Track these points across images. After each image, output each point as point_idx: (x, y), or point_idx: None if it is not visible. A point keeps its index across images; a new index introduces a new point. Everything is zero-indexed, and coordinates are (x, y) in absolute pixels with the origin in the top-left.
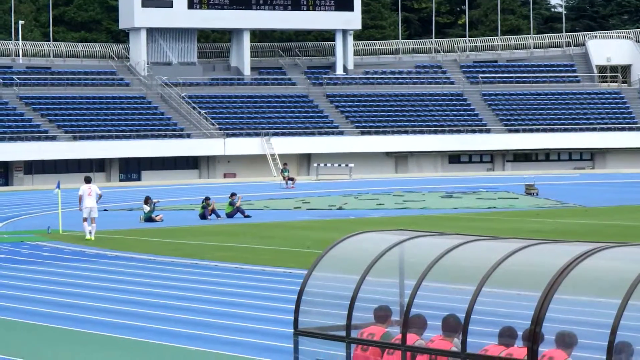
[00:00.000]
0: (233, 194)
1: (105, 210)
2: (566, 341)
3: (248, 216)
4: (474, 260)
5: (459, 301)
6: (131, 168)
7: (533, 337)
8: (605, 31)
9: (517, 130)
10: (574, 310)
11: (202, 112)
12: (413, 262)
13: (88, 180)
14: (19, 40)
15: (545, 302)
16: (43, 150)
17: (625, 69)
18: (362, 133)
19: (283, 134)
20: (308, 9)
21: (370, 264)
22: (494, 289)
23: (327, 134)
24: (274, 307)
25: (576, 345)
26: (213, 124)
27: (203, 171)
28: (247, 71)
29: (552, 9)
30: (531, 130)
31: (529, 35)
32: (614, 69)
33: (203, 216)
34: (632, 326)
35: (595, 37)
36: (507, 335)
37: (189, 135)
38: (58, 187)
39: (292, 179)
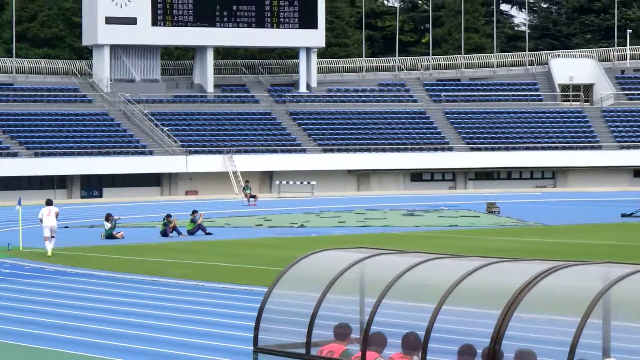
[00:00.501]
0: (194, 211)
1: (66, 227)
2: (525, 359)
3: (209, 233)
4: (435, 278)
5: (419, 319)
6: (93, 185)
7: (492, 355)
8: (568, 50)
9: (479, 149)
10: (533, 328)
11: (165, 129)
12: (373, 280)
13: (49, 203)
14: None
15: (505, 320)
16: (4, 167)
17: (588, 88)
18: (325, 151)
19: (245, 152)
20: (272, 27)
21: (330, 282)
22: (454, 307)
23: (289, 151)
24: (234, 324)
25: None
26: (175, 141)
27: (165, 188)
28: (210, 88)
29: (516, 28)
30: (493, 149)
31: (492, 54)
32: (576, 88)
33: (164, 233)
34: (590, 344)
35: (558, 56)
36: (466, 353)
37: (151, 153)
38: (19, 204)
39: (254, 197)
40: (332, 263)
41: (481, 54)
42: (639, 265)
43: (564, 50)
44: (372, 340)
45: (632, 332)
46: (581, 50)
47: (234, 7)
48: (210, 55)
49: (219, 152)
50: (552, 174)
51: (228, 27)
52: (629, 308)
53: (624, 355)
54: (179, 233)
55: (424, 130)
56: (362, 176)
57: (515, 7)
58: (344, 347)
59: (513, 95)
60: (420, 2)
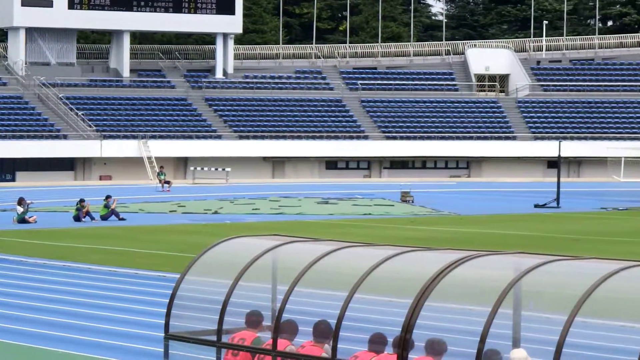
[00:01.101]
0: (108, 197)
1: None
2: (436, 348)
3: (123, 219)
4: (347, 266)
5: (331, 307)
6: (6, 168)
7: (403, 344)
8: (485, 40)
9: (394, 138)
10: (444, 317)
11: (80, 113)
12: (286, 267)
13: None
14: None
15: (416, 309)
16: None
17: (504, 79)
18: (240, 137)
19: (160, 137)
20: (189, 12)
21: (243, 269)
22: (365, 295)
23: (204, 137)
24: (146, 310)
25: (446, 352)
26: (90, 126)
27: (79, 173)
28: (126, 73)
29: (433, 17)
30: (409, 138)
31: (409, 43)
32: (492, 78)
33: (77, 218)
34: (500, 334)
35: (475, 46)
36: (377, 342)
37: (65, 137)
38: None
39: (168, 182)
40: (245, 250)
41: (398, 43)
42: (550, 255)
43: (481, 41)
44: (283, 328)
45: (542, 322)
46: (497, 40)
47: None
48: (126, 39)
49: (134, 137)
50: (466, 164)
51: (145, 11)
52: (539, 298)
53: (533, 345)
54: (92, 218)
55: (340, 118)
56: (277, 163)
57: None
58: (256, 334)
59: (429, 85)
60: None
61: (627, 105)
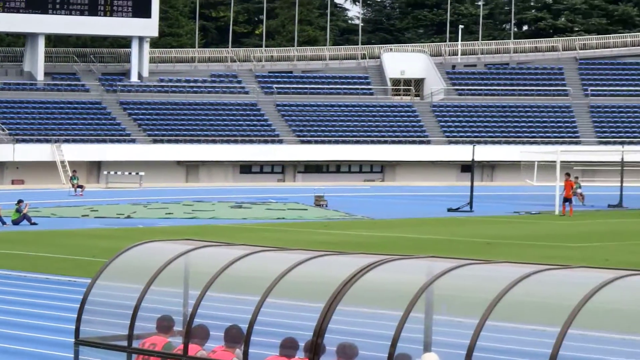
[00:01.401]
0: (20, 201)
1: None
2: (347, 352)
3: (34, 223)
4: (259, 270)
5: (243, 312)
6: None
7: (314, 349)
8: (401, 44)
9: (309, 142)
10: (356, 321)
11: None
12: (198, 272)
13: None
14: None
15: (328, 313)
16: None
17: (419, 83)
18: (155, 141)
19: (74, 141)
20: (105, 15)
21: (155, 274)
22: (277, 299)
23: (118, 141)
24: (57, 316)
25: (357, 356)
26: (3, 130)
27: None
28: (40, 76)
29: (349, 21)
30: (323, 142)
31: (325, 47)
32: (407, 82)
33: None
34: (412, 338)
35: (391, 50)
36: (288, 347)
37: None
38: None
39: (81, 187)
40: (157, 255)
41: (314, 47)
42: (462, 259)
43: (397, 45)
44: (194, 332)
45: (454, 326)
46: (413, 44)
47: None
48: (41, 42)
49: (47, 141)
50: (380, 168)
51: (60, 14)
52: (451, 302)
53: (445, 349)
54: (4, 223)
55: (255, 123)
56: (191, 167)
57: (349, 0)
58: (167, 339)
59: (344, 89)
60: None
61: (541, 109)
